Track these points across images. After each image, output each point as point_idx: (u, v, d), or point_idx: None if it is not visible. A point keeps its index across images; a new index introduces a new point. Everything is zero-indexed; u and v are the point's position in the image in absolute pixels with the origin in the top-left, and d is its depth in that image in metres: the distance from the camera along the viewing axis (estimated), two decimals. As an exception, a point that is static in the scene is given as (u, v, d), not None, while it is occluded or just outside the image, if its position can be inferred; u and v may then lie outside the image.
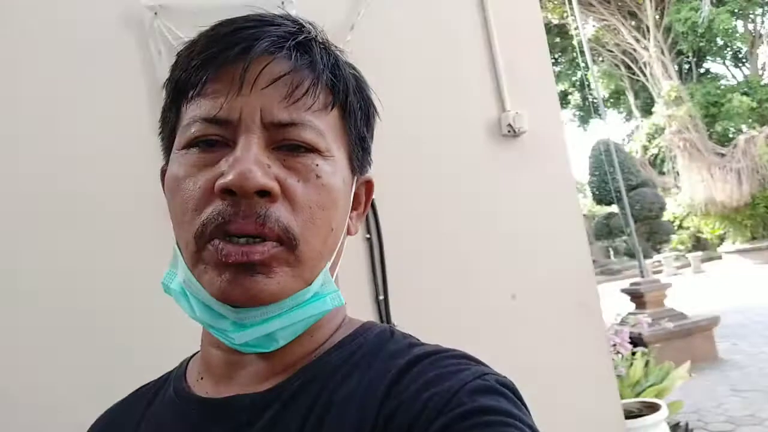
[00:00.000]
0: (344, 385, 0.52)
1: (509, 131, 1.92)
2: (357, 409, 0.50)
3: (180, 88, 0.54)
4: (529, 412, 0.48)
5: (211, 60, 0.52)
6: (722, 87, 16.48)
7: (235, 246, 0.49)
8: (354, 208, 0.61)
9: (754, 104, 15.03)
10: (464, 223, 1.82)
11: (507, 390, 0.48)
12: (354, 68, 0.59)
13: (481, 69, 1.96)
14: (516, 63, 1.97)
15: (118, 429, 0.63)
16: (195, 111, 0.52)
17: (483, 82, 1.94)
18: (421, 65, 1.81)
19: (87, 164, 1.41)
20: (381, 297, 1.77)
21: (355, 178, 0.60)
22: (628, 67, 16.63)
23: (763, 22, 16.68)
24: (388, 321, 1.77)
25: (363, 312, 1.74)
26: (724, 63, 17.41)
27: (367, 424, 0.48)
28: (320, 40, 0.56)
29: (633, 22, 16.85)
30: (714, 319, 6.21)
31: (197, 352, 0.65)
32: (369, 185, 0.64)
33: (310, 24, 0.57)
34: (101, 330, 1.32)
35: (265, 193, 0.49)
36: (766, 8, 16.19)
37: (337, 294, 0.57)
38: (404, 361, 0.52)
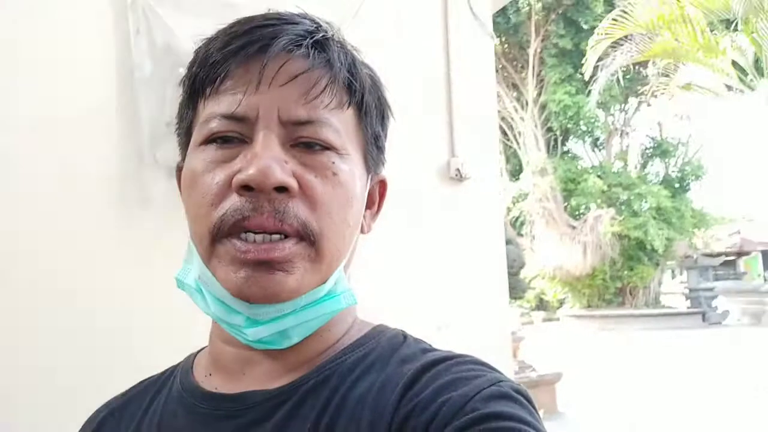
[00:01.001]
0: (358, 386, 0.53)
1: (456, 175, 2.06)
2: (371, 409, 0.50)
3: (197, 84, 0.55)
4: (540, 419, 0.48)
5: (230, 57, 0.52)
6: (580, 167, 18.37)
7: (254, 245, 0.50)
8: (368, 207, 0.62)
9: (605, 187, 16.88)
10: (397, 255, 1.89)
11: (521, 397, 0.49)
12: (370, 68, 0.60)
13: (439, 117, 2.09)
14: (468, 115, 2.13)
15: (119, 422, 0.62)
16: (213, 108, 0.53)
17: (438, 128, 2.07)
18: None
19: (48, 137, 1.32)
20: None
21: (370, 176, 0.60)
22: (504, 133, 17.99)
23: (619, 118, 18.95)
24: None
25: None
26: (584, 146, 19.47)
27: (381, 424, 0.48)
28: (337, 39, 0.57)
29: (515, 94, 18.39)
30: (557, 374, 6.78)
31: (203, 348, 0.65)
32: (383, 184, 0.65)
33: (327, 23, 0.57)
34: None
35: (283, 189, 0.50)
36: (623, 106, 18.42)
37: (350, 292, 0.57)
38: (419, 365, 0.52)
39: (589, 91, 12.33)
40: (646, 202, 16.91)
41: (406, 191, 1.96)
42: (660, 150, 18.99)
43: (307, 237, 0.51)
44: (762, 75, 5.94)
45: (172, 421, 0.58)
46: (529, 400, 0.50)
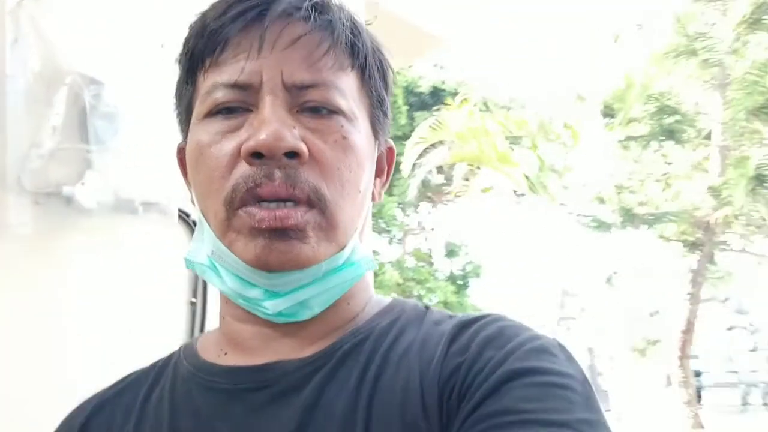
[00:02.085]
0: (398, 344, 0.52)
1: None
2: (417, 362, 0.49)
3: (196, 57, 0.53)
4: (582, 372, 0.49)
5: (228, 24, 0.51)
6: (380, 260, 19.41)
7: (268, 211, 0.48)
8: (377, 175, 0.60)
9: (400, 280, 17.97)
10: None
11: (562, 352, 0.49)
12: (370, 32, 0.58)
13: None
14: None
15: (113, 412, 0.58)
16: (214, 78, 0.51)
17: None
18: None
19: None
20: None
21: (378, 142, 0.59)
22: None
23: (411, 216, 20.69)
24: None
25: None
26: (385, 241, 20.75)
27: (430, 376, 0.48)
28: (336, 2, 0.55)
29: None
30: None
31: (201, 335, 0.62)
32: (391, 151, 0.63)
33: None
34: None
35: (293, 155, 0.49)
36: (416, 208, 20.21)
37: (369, 258, 0.56)
38: (457, 322, 0.52)
39: (392, 193, 13.34)
40: (435, 296, 18.38)
41: None
42: (448, 249, 20.94)
43: (317, 204, 0.50)
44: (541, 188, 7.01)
45: (186, 401, 0.54)
46: (570, 355, 0.50)
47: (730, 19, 6.62)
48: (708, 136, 7.27)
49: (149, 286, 1.61)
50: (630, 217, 6.99)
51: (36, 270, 1.41)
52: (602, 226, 7.35)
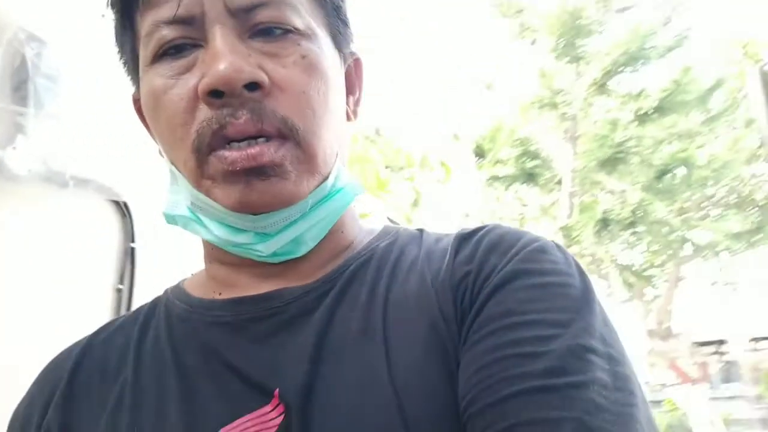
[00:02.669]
0: (402, 260, 0.51)
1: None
2: (425, 273, 0.49)
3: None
4: (583, 271, 0.48)
5: None
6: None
7: (239, 151, 0.45)
8: (349, 93, 0.57)
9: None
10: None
11: (560, 252, 0.49)
12: None
13: None
14: None
15: (104, 358, 0.53)
16: (151, 18, 0.47)
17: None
18: None
19: None
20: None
21: (343, 56, 0.55)
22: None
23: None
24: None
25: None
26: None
27: (441, 282, 0.47)
28: None
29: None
30: None
31: (185, 279, 0.59)
32: (357, 63, 0.58)
33: None
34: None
35: (254, 86, 0.45)
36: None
37: (356, 183, 0.53)
38: (457, 235, 0.52)
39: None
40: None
41: None
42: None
43: (290, 135, 0.46)
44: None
45: (188, 338, 0.50)
46: (567, 255, 0.49)
47: (584, 80, 7.52)
48: (559, 182, 8.10)
49: (74, 268, 1.47)
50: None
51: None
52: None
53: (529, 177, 7.73)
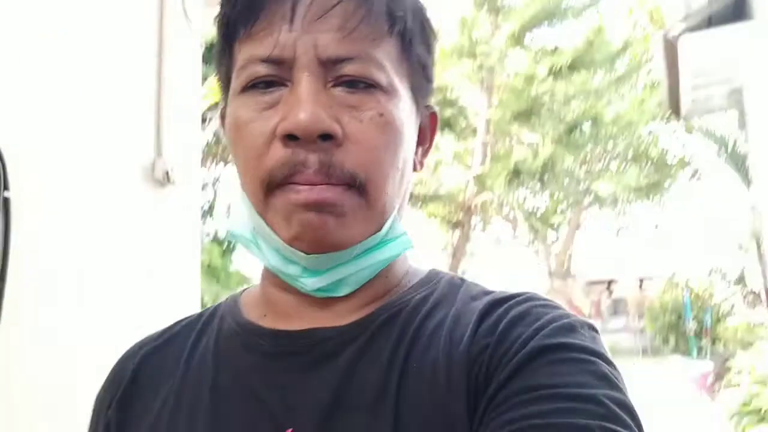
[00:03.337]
0: (430, 319, 0.52)
1: (163, 178, 1.89)
2: (446, 340, 0.50)
3: (230, 27, 0.52)
4: (607, 352, 0.49)
5: None
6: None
7: (304, 187, 0.48)
8: (419, 143, 0.58)
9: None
10: (99, 268, 1.64)
11: (588, 330, 0.50)
12: None
13: (144, 110, 1.90)
14: (173, 113, 1.99)
15: (163, 359, 0.59)
16: (248, 51, 0.50)
17: (145, 126, 1.88)
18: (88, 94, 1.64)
19: None
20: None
21: (419, 110, 0.56)
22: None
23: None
24: None
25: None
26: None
27: (458, 354, 0.48)
28: None
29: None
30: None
31: (245, 289, 0.63)
32: (433, 116, 0.61)
33: None
34: None
35: (328, 137, 0.47)
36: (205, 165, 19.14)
37: (405, 237, 0.55)
38: (489, 300, 0.52)
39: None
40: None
41: (104, 195, 1.70)
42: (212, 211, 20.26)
43: (355, 187, 0.49)
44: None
45: (230, 359, 0.55)
46: (597, 333, 0.50)
47: (502, 32, 7.56)
48: (474, 131, 8.24)
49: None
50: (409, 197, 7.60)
51: None
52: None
53: (445, 124, 7.79)
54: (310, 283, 0.51)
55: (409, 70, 0.53)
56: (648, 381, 12.15)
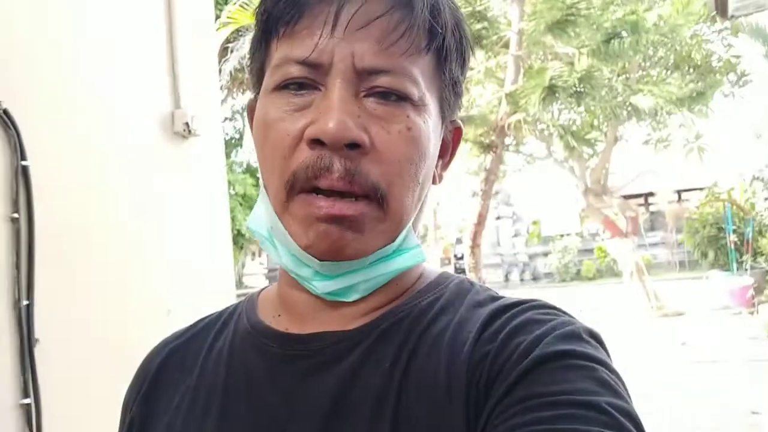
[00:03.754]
0: (433, 327, 0.53)
1: (185, 130, 1.78)
2: (448, 349, 0.50)
3: (271, 23, 0.52)
4: (611, 359, 0.50)
5: None
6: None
7: (326, 201, 0.49)
8: (441, 156, 0.59)
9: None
10: (125, 229, 1.58)
11: (592, 338, 0.50)
12: (453, 4, 0.56)
13: (159, 63, 1.80)
14: (189, 63, 1.88)
15: (184, 358, 0.61)
16: (285, 51, 0.51)
17: (159, 75, 1.77)
18: (101, 47, 1.53)
19: None
20: (25, 302, 1.30)
21: (444, 124, 0.58)
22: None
23: (226, 103, 19.41)
24: (30, 335, 1.31)
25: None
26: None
27: (458, 364, 0.49)
28: None
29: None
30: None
31: (264, 288, 0.64)
32: (458, 131, 0.62)
33: None
34: None
35: (355, 146, 0.48)
36: (230, 95, 18.99)
37: (418, 249, 0.57)
38: (493, 307, 0.53)
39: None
40: (233, 189, 17.89)
41: (125, 152, 1.62)
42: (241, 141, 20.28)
43: (376, 198, 0.50)
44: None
45: (241, 360, 0.57)
46: (601, 342, 0.51)
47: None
48: (506, 45, 7.79)
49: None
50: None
51: None
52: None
53: (475, 39, 7.37)
54: (321, 287, 0.53)
55: (441, 85, 0.55)
56: (685, 295, 12.12)
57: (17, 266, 1.30)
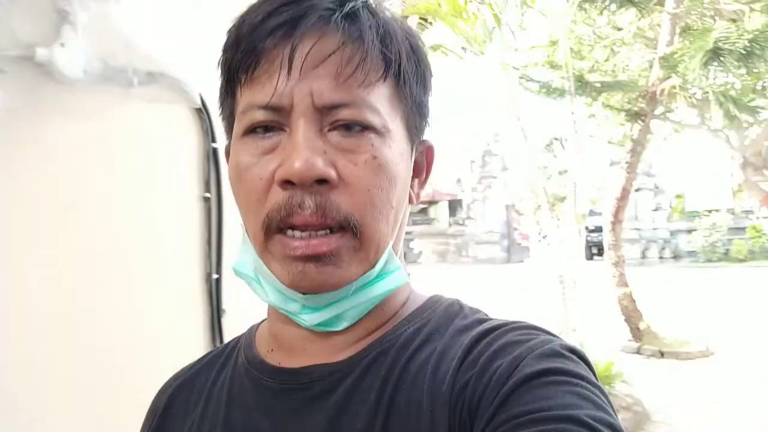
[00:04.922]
0: (417, 356, 0.55)
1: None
2: (431, 377, 0.52)
3: (232, 72, 0.54)
4: (596, 375, 0.50)
5: (259, 42, 0.51)
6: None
7: (301, 240, 0.51)
8: (415, 176, 0.61)
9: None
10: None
11: (574, 355, 0.50)
12: (407, 28, 0.58)
13: None
14: None
15: (189, 394, 0.63)
16: (248, 97, 0.53)
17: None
18: None
19: None
20: (215, 276, 1.38)
21: (413, 146, 0.60)
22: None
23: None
24: (218, 306, 1.39)
25: (191, 293, 1.32)
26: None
27: (441, 393, 0.50)
28: (368, 7, 0.55)
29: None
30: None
31: (262, 322, 0.66)
32: (429, 150, 0.63)
33: None
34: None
35: (323, 181, 0.50)
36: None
37: (400, 272, 0.58)
38: (475, 333, 0.54)
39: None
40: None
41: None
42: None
43: (349, 228, 0.52)
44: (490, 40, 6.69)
45: (240, 395, 0.59)
46: (583, 358, 0.51)
47: None
48: (661, 2, 7.09)
49: (148, 179, 1.31)
50: (582, 85, 6.89)
51: (4, 156, 1.08)
52: (553, 91, 7.25)
53: (627, -2, 6.76)
54: (309, 319, 0.55)
55: (404, 109, 0.56)
56: None
57: (209, 242, 1.37)
